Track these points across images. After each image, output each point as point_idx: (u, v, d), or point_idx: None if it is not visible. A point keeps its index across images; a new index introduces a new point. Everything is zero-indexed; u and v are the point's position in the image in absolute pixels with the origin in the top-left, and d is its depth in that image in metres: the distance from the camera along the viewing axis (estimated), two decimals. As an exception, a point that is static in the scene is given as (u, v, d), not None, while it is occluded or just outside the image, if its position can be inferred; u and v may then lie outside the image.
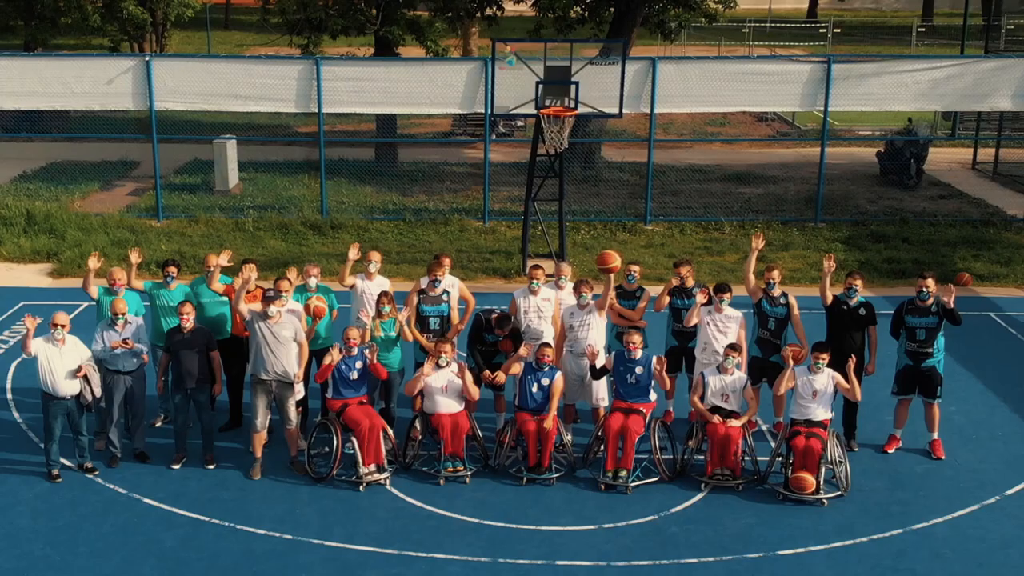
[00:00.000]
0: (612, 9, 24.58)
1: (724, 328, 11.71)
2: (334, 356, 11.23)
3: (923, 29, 50.22)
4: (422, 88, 20.81)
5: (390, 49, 24.51)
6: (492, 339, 11.92)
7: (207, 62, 21.64)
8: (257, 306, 11.42)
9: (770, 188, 23.86)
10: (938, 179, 24.87)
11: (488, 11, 25.03)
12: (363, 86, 20.88)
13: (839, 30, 51.84)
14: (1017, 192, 23.83)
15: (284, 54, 26.85)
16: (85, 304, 15.79)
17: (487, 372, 11.76)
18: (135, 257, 12.45)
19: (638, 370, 11.31)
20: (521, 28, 29.66)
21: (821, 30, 51.18)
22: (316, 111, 20.77)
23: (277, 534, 10.35)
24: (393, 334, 11.82)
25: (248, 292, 11.67)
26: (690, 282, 12.34)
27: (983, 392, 13.82)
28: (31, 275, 18.27)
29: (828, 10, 71.57)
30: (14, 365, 14.24)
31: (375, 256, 12.53)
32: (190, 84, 20.59)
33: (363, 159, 25.40)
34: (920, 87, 20.74)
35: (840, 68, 20.65)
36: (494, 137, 21.54)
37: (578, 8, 24.15)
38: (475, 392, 11.49)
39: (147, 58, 20.56)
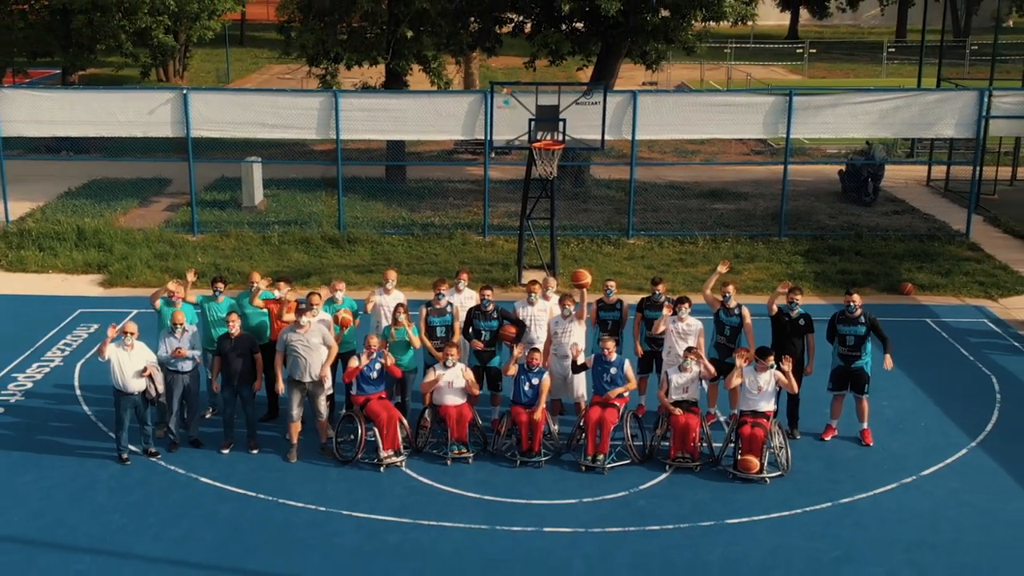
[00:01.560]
0: (599, 44, 26.26)
1: (685, 335, 13.41)
2: (361, 361, 12.94)
3: (892, 50, 51.68)
4: (428, 117, 22.42)
5: (399, 79, 26.21)
6: (483, 325, 13.63)
7: (238, 95, 23.25)
8: (291, 317, 13.16)
9: (741, 204, 25.47)
10: (894, 195, 26.49)
11: (487, 44, 26.75)
12: (376, 115, 22.48)
13: (815, 50, 53.40)
14: (964, 208, 25.42)
15: (301, 74, 28.36)
16: (135, 311, 17.46)
17: (477, 342, 13.57)
18: (191, 276, 14.16)
19: (612, 370, 13.03)
20: (518, 53, 31.42)
21: (798, 50, 52.84)
22: (335, 137, 22.44)
23: (312, 506, 12.05)
24: (407, 339, 13.54)
25: (277, 302, 13.51)
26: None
27: (913, 389, 15.48)
28: (84, 285, 19.87)
29: (809, 27, 73.13)
30: (79, 365, 15.91)
31: (391, 275, 14.25)
32: (222, 114, 22.21)
33: (374, 177, 27.06)
34: (871, 117, 22.37)
35: (800, 100, 22.29)
36: (493, 156, 23.11)
37: (567, 44, 25.75)
38: (476, 389, 13.22)
39: (184, 91, 22.18)
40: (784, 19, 70.35)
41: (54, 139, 27.39)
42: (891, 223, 23.96)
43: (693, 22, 24.82)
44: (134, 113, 22.16)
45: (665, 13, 24.55)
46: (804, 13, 70.37)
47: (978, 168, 23.16)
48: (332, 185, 24.42)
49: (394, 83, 26.23)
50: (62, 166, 27.63)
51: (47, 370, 15.75)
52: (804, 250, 21.89)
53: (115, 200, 25.08)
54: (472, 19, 26.31)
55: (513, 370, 13.22)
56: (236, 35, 59.99)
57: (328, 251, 21.66)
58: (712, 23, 25.37)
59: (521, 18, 26.58)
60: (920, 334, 17.68)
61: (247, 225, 23.05)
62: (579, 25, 25.79)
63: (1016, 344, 17.31)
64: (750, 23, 25.67)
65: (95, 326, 17.42)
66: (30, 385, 15.23)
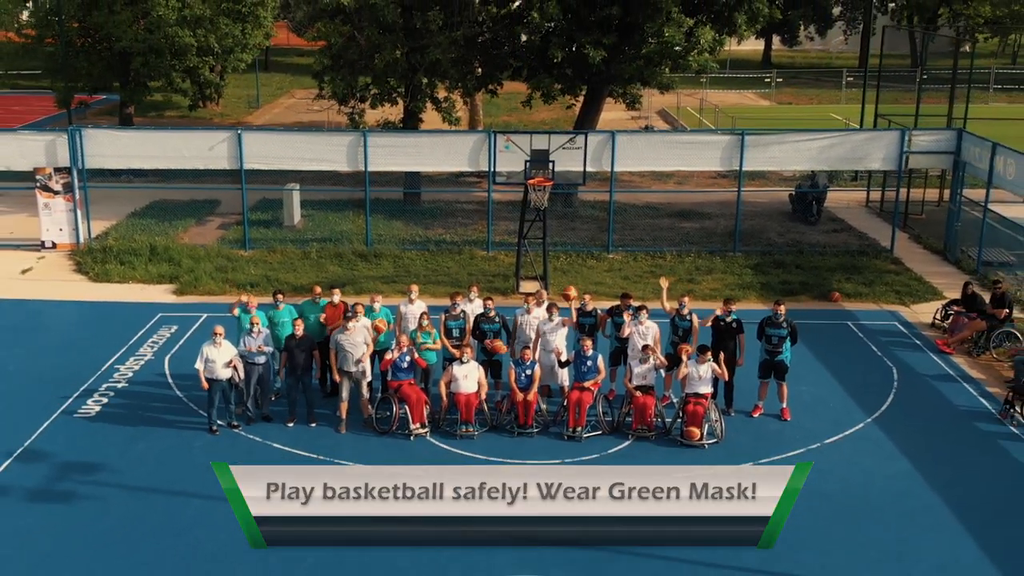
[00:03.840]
0: (584, 88, 29.38)
1: (644, 335, 16.49)
2: (393, 355, 16.03)
3: (851, 79, 54.55)
4: (440, 152, 25.48)
5: (415, 116, 29.29)
6: (487, 327, 16.73)
7: (283, 134, 26.23)
8: (340, 321, 16.25)
9: (705, 223, 28.49)
10: (836, 216, 29.53)
11: (490, 87, 29.86)
12: (396, 151, 25.58)
13: (781, 80, 56.38)
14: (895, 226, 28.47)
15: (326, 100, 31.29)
16: (204, 315, 20.59)
17: (487, 341, 16.66)
18: (252, 297, 17.15)
19: (588, 363, 16.11)
20: (515, 97, 34.38)
21: (766, 79, 55.86)
22: (363, 169, 25.50)
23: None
24: (430, 341, 16.61)
25: (333, 305, 16.63)
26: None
27: (828, 379, 18.52)
28: (160, 293, 22.88)
29: (781, 52, 75.95)
30: (167, 359, 18.97)
31: (415, 288, 17.38)
32: (270, 150, 25.27)
33: (394, 199, 30.10)
34: (811, 152, 25.44)
35: (751, 138, 25.37)
36: (497, 179, 26.08)
37: (558, 86, 28.85)
38: (484, 384, 16.24)
39: (239, 132, 25.27)
40: (759, 45, 73.08)
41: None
42: (829, 240, 27.00)
43: (665, 70, 27.87)
44: (196, 149, 25.25)
45: (640, 63, 27.61)
46: (777, 40, 73.28)
47: (907, 193, 26.10)
48: (358, 206, 27.46)
49: (411, 120, 29.31)
50: (128, 192, 30.62)
51: (142, 363, 18.81)
52: (754, 264, 24.92)
53: (175, 219, 28.08)
54: (477, 66, 29.41)
55: (503, 348, 16.63)
56: (262, 60, 62.81)
57: (358, 264, 24.66)
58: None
59: (519, 64, 29.62)
60: (840, 334, 20.75)
61: (289, 242, 26.09)
62: (568, 71, 28.85)
63: (918, 343, 20.38)
64: (709, 68, 28.55)
65: (174, 327, 20.51)
66: (130, 375, 18.29)
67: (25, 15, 36.61)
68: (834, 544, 13.30)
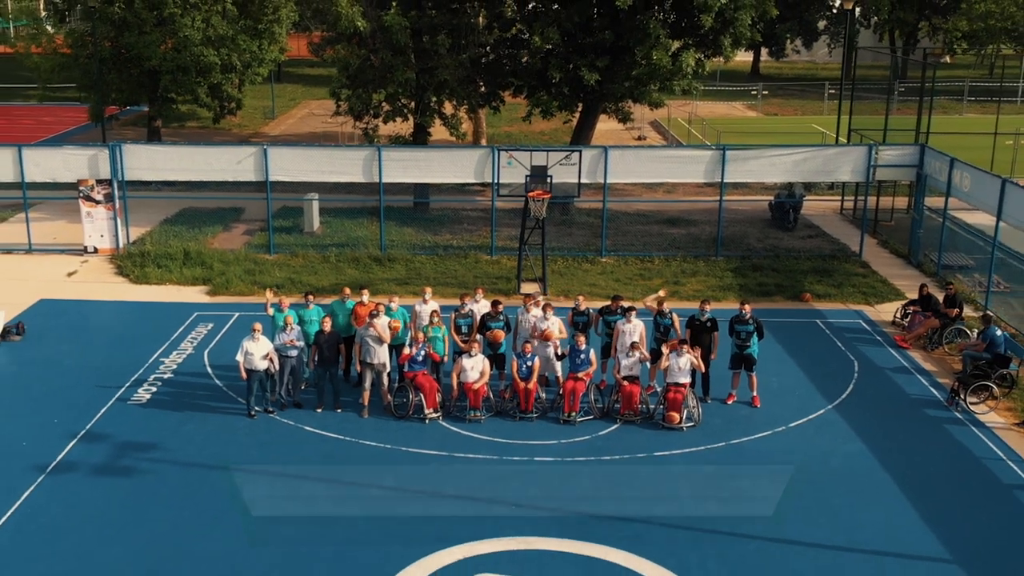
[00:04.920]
0: (580, 104, 31.15)
1: (631, 333, 18.22)
2: (412, 350, 17.78)
3: (833, 91, 56.16)
4: (447, 166, 27.25)
5: (424, 130, 31.04)
6: (493, 326, 18.45)
7: (305, 149, 27.89)
8: (366, 319, 17.99)
9: (691, 230, 30.23)
10: (812, 222, 31.28)
11: (493, 103, 31.63)
12: (408, 164, 27.34)
13: (767, 92, 58.12)
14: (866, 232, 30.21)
15: (344, 121, 32.90)
16: (236, 314, 22.36)
17: (488, 332, 18.39)
18: (284, 298, 18.88)
19: (582, 356, 17.86)
20: (516, 108, 36.14)
21: (752, 92, 57.60)
22: (378, 181, 27.25)
23: (381, 445, 16.86)
24: (440, 336, 18.34)
25: (363, 304, 18.37)
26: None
27: (795, 370, 20.25)
28: (195, 294, 24.59)
29: (770, 63, 77.67)
30: (206, 352, 20.71)
31: (428, 290, 19.15)
32: (294, 164, 27.05)
33: (405, 207, 31.84)
34: (785, 166, 27.22)
35: (731, 153, 27.14)
36: (500, 192, 27.80)
37: (556, 103, 30.62)
38: (488, 375, 17.97)
39: (265, 147, 27.04)
40: (748, 56, 74.79)
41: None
42: (804, 245, 28.75)
43: (653, 89, 29.64)
44: (226, 163, 27.03)
45: (630, 83, 29.38)
46: (765, 51, 74.99)
47: (876, 201, 27.82)
48: (372, 214, 29.18)
49: (420, 134, 31.07)
50: (159, 200, 32.39)
51: (184, 356, 20.55)
52: (734, 267, 26.66)
53: (204, 226, 29.84)
54: (481, 85, 31.18)
55: (501, 336, 18.37)
56: (275, 71, 64.38)
57: (373, 268, 26.39)
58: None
59: (520, 82, 31.36)
60: (809, 331, 22.48)
61: (310, 247, 27.84)
62: (565, 90, 30.61)
63: (879, 339, 22.12)
64: (694, 93, 30.33)
65: (210, 324, 22.26)
66: (174, 366, 20.03)
67: (56, 33, 38.25)
68: (794, 510, 15.03)
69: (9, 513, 14.62)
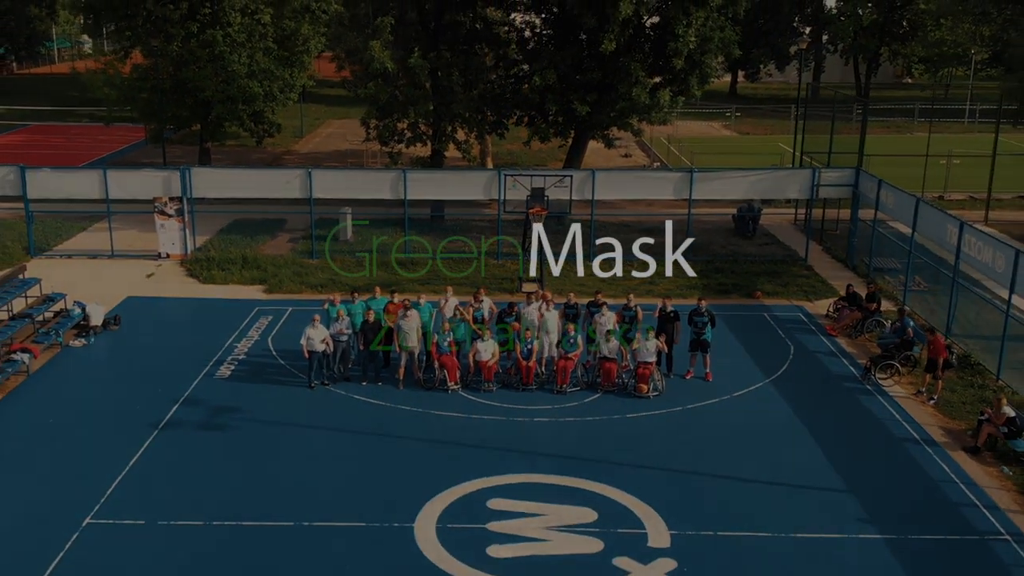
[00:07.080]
0: (572, 132, 34.93)
1: (606, 323, 21.91)
2: (437, 337, 21.52)
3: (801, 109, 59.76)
4: (461, 185, 30.97)
5: (440, 154, 34.78)
6: (508, 320, 22.16)
7: (343, 172, 31.59)
8: (398, 313, 21.70)
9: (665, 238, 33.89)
10: (769, 232, 34.96)
11: (499, 131, 35.40)
12: (426, 183, 31.07)
13: (740, 113, 61.81)
14: (812, 240, 33.84)
15: (358, 126, 36.68)
16: (290, 309, 26.08)
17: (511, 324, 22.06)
18: (336, 295, 22.60)
19: (571, 340, 21.60)
20: (518, 129, 39.77)
21: (727, 114, 61.28)
22: (403, 198, 30.97)
23: (415, 409, 20.57)
24: (462, 325, 22.08)
25: (394, 303, 22.08)
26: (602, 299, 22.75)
27: (744, 354, 23.89)
28: (254, 292, 28.28)
29: (745, 86, 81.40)
30: (270, 339, 24.42)
31: (450, 288, 22.88)
32: (334, 183, 30.79)
33: (423, 218, 35.45)
34: (745, 185, 30.92)
35: (699, 175, 30.87)
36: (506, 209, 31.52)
37: (552, 131, 34.38)
38: (498, 355, 21.66)
39: (309, 170, 30.78)
40: (727, 78, 78.58)
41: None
42: (760, 251, 32.43)
43: (634, 120, 33.40)
44: (276, 184, 30.75)
45: (615, 115, 33.15)
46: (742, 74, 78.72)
47: (822, 213, 31.48)
48: (397, 224, 32.89)
49: (436, 156, 34.80)
50: (212, 214, 36.05)
51: (252, 342, 24.24)
52: (699, 269, 30.21)
53: (254, 235, 33.56)
54: (489, 115, 34.95)
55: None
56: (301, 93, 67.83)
57: (399, 270, 30.06)
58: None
59: (522, 113, 35.09)
60: (756, 323, 26.19)
61: (345, 253, 31.53)
62: (560, 120, 34.37)
63: (813, 328, 25.80)
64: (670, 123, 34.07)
65: (270, 317, 25.98)
66: (246, 350, 23.73)
67: (119, 62, 41.65)
68: (734, 455, 18.73)
69: (137, 456, 18.34)
